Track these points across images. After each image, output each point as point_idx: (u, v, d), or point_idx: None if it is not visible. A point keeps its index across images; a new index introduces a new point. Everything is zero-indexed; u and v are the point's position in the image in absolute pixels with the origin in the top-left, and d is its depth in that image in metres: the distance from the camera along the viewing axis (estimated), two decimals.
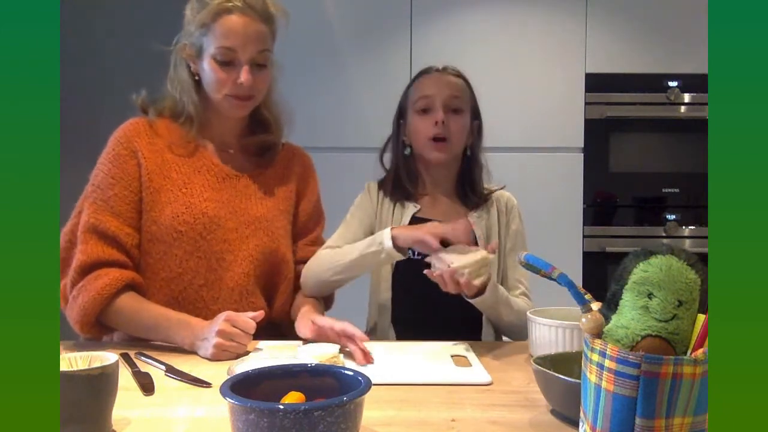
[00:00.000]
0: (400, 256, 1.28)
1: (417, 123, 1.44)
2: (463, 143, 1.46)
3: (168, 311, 1.29)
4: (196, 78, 1.38)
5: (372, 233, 1.41)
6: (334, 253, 1.37)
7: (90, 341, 1.34)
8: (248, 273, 1.36)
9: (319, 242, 1.55)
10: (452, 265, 1.18)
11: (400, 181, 1.47)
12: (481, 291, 1.23)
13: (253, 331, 1.20)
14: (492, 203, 1.48)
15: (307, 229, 1.52)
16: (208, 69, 1.34)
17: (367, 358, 1.14)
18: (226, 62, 1.32)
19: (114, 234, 1.30)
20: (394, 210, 1.46)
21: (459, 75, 1.48)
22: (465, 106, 1.45)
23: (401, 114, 1.51)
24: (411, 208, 1.45)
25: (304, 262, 1.49)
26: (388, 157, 1.53)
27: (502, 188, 1.52)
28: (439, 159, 1.43)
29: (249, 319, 1.21)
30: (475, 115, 1.50)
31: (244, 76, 1.31)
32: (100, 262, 1.29)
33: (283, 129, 1.49)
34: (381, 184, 1.51)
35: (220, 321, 1.19)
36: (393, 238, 1.26)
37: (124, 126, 1.40)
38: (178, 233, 1.32)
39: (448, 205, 1.48)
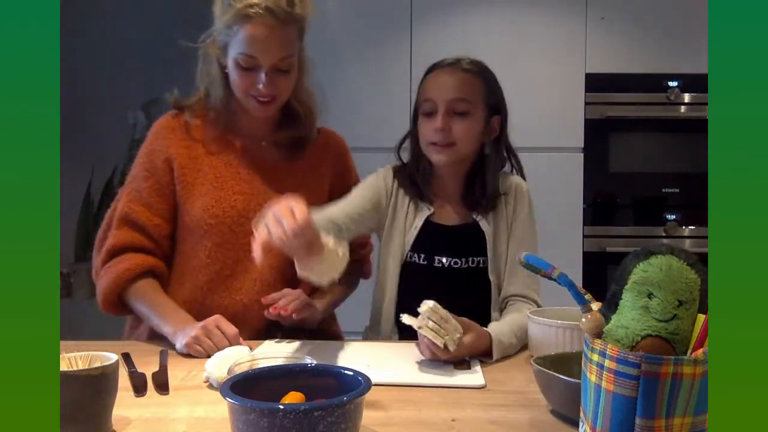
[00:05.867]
0: None
1: (421, 126, 1.38)
2: (470, 146, 1.38)
3: (169, 302, 1.34)
4: (226, 71, 1.38)
5: (376, 208, 1.39)
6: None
7: (94, 338, 1.36)
8: (272, 264, 1.39)
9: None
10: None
11: (415, 178, 1.41)
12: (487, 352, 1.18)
13: (234, 341, 1.21)
14: (502, 199, 1.41)
15: None
16: (231, 69, 1.35)
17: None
18: (247, 68, 1.32)
19: (143, 224, 1.38)
20: (408, 207, 1.41)
21: (472, 69, 1.38)
22: (473, 107, 1.35)
23: (417, 110, 1.43)
24: (425, 211, 1.40)
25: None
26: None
27: (510, 173, 1.45)
28: (440, 162, 1.38)
29: (234, 328, 1.24)
30: (496, 110, 1.40)
31: (263, 85, 1.32)
32: (128, 246, 1.38)
33: (316, 119, 1.50)
34: (396, 174, 1.44)
35: (207, 319, 1.24)
36: None
37: (160, 121, 1.46)
38: (208, 225, 1.37)
39: (457, 210, 1.42)
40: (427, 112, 1.36)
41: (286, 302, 1.31)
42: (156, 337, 1.36)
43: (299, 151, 1.47)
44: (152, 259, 1.38)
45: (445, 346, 1.08)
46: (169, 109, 1.47)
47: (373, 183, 1.43)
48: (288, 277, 1.42)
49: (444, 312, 1.10)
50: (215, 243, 1.38)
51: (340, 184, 1.51)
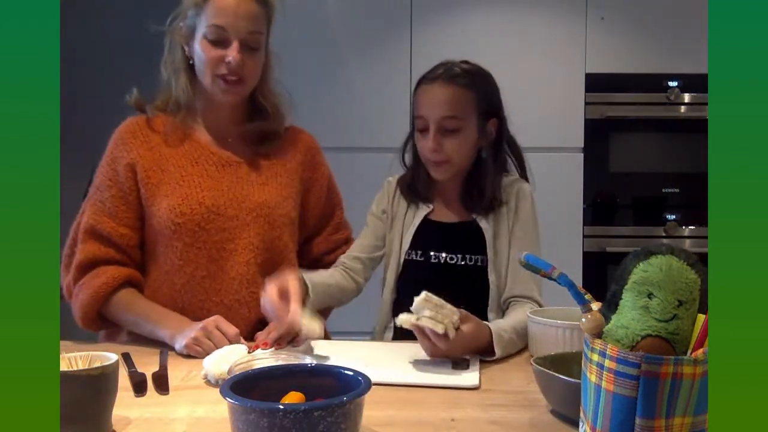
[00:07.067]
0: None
1: (417, 140, 1.40)
2: (466, 158, 1.39)
3: (158, 307, 1.31)
4: (190, 62, 1.36)
5: (382, 242, 1.44)
6: None
7: (91, 340, 1.36)
8: (249, 261, 1.35)
9: (342, 227, 1.55)
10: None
11: (415, 182, 1.43)
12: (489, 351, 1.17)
13: (234, 340, 1.20)
14: (502, 202, 1.41)
15: (326, 216, 1.52)
16: (198, 49, 1.33)
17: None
18: (216, 41, 1.30)
19: (109, 235, 1.33)
20: (407, 210, 1.44)
21: (460, 81, 1.35)
22: (463, 122, 1.34)
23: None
24: (423, 209, 1.43)
25: (331, 251, 1.51)
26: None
27: (515, 178, 1.45)
28: (437, 177, 1.39)
29: (234, 328, 1.22)
30: (491, 113, 1.39)
31: (232, 53, 1.29)
32: (97, 260, 1.32)
33: (284, 117, 1.47)
34: (399, 182, 1.48)
35: (207, 320, 1.22)
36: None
37: (121, 127, 1.41)
38: (176, 225, 1.32)
39: (456, 210, 1.43)
40: (420, 129, 1.37)
41: (276, 335, 1.25)
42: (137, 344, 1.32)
43: (266, 147, 1.43)
44: (126, 269, 1.34)
45: (446, 333, 1.08)
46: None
47: (379, 200, 1.48)
48: (269, 275, 1.37)
49: (437, 299, 1.10)
50: (186, 243, 1.32)
51: (311, 179, 1.49)
